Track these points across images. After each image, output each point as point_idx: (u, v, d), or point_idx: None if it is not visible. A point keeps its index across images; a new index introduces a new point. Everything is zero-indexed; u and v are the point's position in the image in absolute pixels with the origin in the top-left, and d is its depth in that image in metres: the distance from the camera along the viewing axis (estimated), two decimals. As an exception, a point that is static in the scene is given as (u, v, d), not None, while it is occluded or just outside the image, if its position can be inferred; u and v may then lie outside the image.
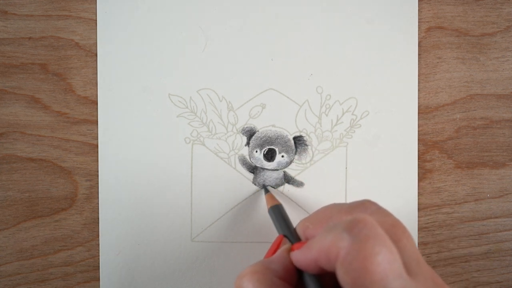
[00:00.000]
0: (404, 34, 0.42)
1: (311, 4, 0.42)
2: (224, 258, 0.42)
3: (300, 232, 0.32)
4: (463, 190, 0.42)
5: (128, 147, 0.42)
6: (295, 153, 0.42)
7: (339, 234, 0.25)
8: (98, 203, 0.42)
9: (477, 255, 0.42)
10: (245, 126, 0.42)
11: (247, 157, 0.42)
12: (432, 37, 0.42)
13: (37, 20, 0.42)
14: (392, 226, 0.26)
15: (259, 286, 0.27)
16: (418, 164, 0.42)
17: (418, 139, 0.42)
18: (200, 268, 0.42)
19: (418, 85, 0.42)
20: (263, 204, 0.42)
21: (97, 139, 0.42)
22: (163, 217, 0.41)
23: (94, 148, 0.42)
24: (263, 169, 0.42)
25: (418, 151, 0.42)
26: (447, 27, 0.42)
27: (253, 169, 0.42)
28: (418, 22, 0.42)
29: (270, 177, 0.42)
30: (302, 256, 0.28)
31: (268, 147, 0.42)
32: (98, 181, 0.42)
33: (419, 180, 0.42)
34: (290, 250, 0.30)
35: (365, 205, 0.28)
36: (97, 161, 0.42)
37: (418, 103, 0.42)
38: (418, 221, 0.42)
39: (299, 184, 0.42)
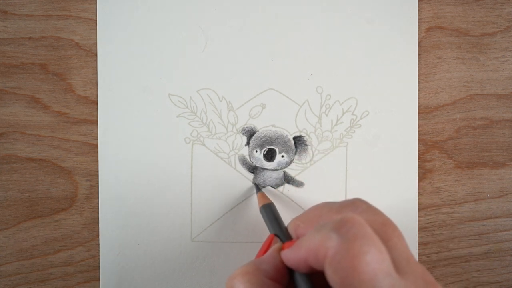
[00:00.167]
0: (404, 34, 0.42)
1: (311, 4, 0.42)
2: (224, 258, 0.42)
3: (291, 231, 0.31)
4: (463, 190, 0.42)
5: (128, 147, 0.42)
6: (295, 153, 0.42)
7: (327, 233, 0.25)
8: (98, 203, 0.42)
9: (477, 255, 0.42)
10: (245, 126, 0.42)
11: (247, 157, 0.42)
12: (432, 37, 0.42)
13: (37, 20, 0.42)
14: (382, 225, 0.26)
15: (250, 287, 0.27)
16: (418, 164, 0.42)
17: (418, 139, 0.42)
18: (200, 268, 0.42)
19: (418, 85, 0.42)
20: (263, 204, 0.42)
21: (97, 139, 0.42)
22: (163, 217, 0.41)
23: (94, 148, 0.42)
24: (263, 169, 0.42)
25: (418, 151, 0.42)
26: (447, 27, 0.42)
27: (253, 169, 0.42)
28: (418, 22, 0.42)
29: (270, 177, 0.42)
30: (292, 255, 0.28)
31: (268, 147, 0.42)
32: (98, 181, 0.42)
33: (419, 180, 0.42)
34: (281, 249, 0.30)
35: (356, 204, 0.28)
36: (97, 161, 0.42)
37: (418, 103, 0.42)
38: (418, 221, 0.42)
39: (299, 184, 0.42)
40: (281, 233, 0.33)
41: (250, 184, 0.42)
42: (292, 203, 0.41)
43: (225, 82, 0.42)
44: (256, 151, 0.42)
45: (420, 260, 0.42)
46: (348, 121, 0.42)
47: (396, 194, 0.42)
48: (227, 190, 0.42)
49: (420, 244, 0.42)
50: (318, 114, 0.42)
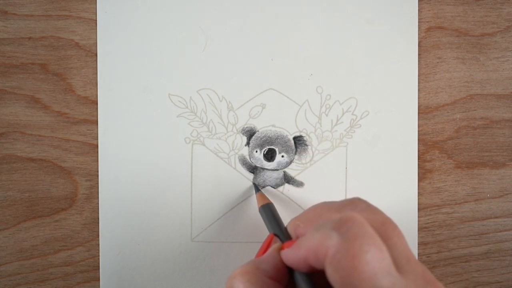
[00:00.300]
0: (404, 34, 0.42)
1: (311, 4, 0.42)
2: (224, 258, 0.42)
3: (291, 230, 0.32)
4: (463, 190, 0.42)
5: (128, 147, 0.42)
6: (295, 153, 0.42)
7: (328, 232, 0.25)
8: (98, 203, 0.42)
9: (477, 255, 0.42)
10: (245, 126, 0.42)
11: (247, 157, 0.42)
12: (432, 37, 0.42)
13: (37, 20, 0.42)
14: (382, 224, 0.26)
15: (250, 287, 0.27)
16: (418, 164, 0.42)
17: (418, 139, 0.42)
18: (200, 268, 0.42)
19: (418, 85, 0.42)
20: (263, 204, 0.42)
21: (97, 139, 0.42)
22: (163, 217, 0.41)
23: (94, 148, 0.42)
24: (263, 169, 0.42)
25: (418, 151, 0.42)
26: (447, 27, 0.42)
27: (253, 169, 0.42)
28: (418, 22, 0.42)
29: (270, 177, 0.42)
30: (292, 255, 0.28)
31: (268, 147, 0.42)
32: (98, 181, 0.42)
33: (419, 180, 0.42)
34: (281, 248, 0.30)
35: (355, 203, 0.28)
36: (97, 161, 0.42)
37: (418, 103, 0.42)
38: (418, 221, 0.42)
39: (299, 184, 0.42)
40: (280, 233, 0.33)
41: (250, 184, 0.42)
42: (292, 203, 0.41)
43: (225, 82, 0.42)
44: (256, 151, 0.42)
45: (420, 260, 0.42)
46: (348, 121, 0.42)
47: (396, 194, 0.42)
48: (227, 190, 0.42)
49: (420, 244, 0.42)
50: (318, 114, 0.42)
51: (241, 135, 0.42)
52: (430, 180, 0.42)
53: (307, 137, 0.42)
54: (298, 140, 0.42)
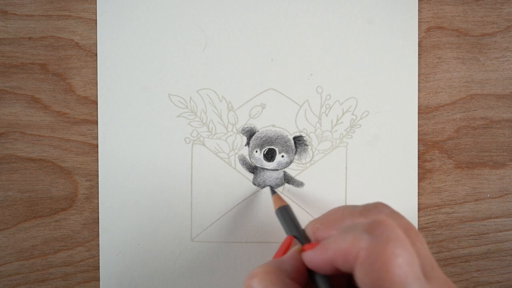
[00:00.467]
0: (404, 34, 0.42)
1: (311, 4, 0.42)
2: (224, 258, 0.42)
3: (309, 233, 0.31)
4: (463, 190, 0.42)
5: (128, 147, 0.42)
6: (295, 153, 0.42)
7: (359, 235, 0.25)
8: (98, 203, 0.42)
9: (477, 255, 0.42)
10: (245, 126, 0.42)
11: (247, 157, 0.42)
12: (432, 37, 0.42)
13: (37, 20, 0.42)
14: (406, 230, 0.27)
15: (271, 287, 0.27)
16: (418, 164, 0.42)
17: (418, 139, 0.42)
18: (200, 268, 0.42)
19: (418, 85, 0.42)
20: (263, 204, 0.42)
21: (97, 139, 0.42)
22: (163, 217, 0.41)
23: (94, 148, 0.42)
24: (263, 169, 0.42)
25: (418, 151, 0.42)
26: (447, 27, 0.42)
27: (253, 169, 0.42)
28: (418, 22, 0.42)
29: (270, 177, 0.42)
30: (315, 257, 0.28)
31: (268, 147, 0.42)
32: (98, 181, 0.42)
33: (419, 180, 0.42)
34: (301, 250, 0.30)
35: (379, 208, 0.28)
36: (97, 161, 0.42)
37: (418, 103, 0.42)
38: (418, 221, 0.42)
39: (299, 184, 0.42)
40: (299, 235, 0.33)
41: (250, 184, 0.42)
42: (292, 204, 0.41)
43: (225, 82, 0.42)
44: (256, 151, 0.42)
45: (420, 260, 0.42)
46: (348, 121, 0.42)
47: (396, 194, 0.42)
48: (227, 190, 0.42)
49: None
50: (318, 114, 0.42)
51: (241, 135, 0.42)
52: (430, 180, 0.42)
53: (307, 137, 0.42)
54: (298, 140, 0.42)
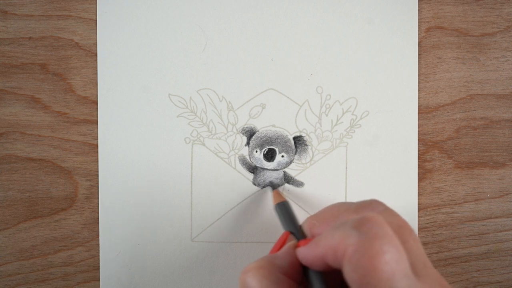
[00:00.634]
0: (404, 34, 0.42)
1: (311, 4, 0.42)
2: (224, 258, 0.42)
3: (306, 229, 0.32)
4: (463, 190, 0.42)
5: (128, 147, 0.42)
6: (295, 153, 0.42)
7: (348, 231, 0.25)
8: (98, 203, 0.42)
9: (477, 255, 0.42)
10: (245, 126, 0.42)
11: (247, 157, 0.42)
12: (432, 37, 0.42)
13: (37, 20, 0.42)
14: (399, 227, 0.27)
15: (264, 282, 0.27)
16: (418, 164, 0.42)
17: (418, 139, 0.42)
18: (200, 268, 0.42)
19: (418, 85, 0.42)
20: (263, 204, 0.42)
21: (97, 139, 0.42)
22: (163, 217, 0.41)
23: (94, 148, 0.42)
24: (263, 169, 0.42)
25: (418, 151, 0.42)
26: (447, 27, 0.42)
27: (253, 169, 0.42)
28: (418, 22, 0.42)
29: (270, 177, 0.42)
30: (308, 253, 0.28)
31: (268, 147, 0.42)
32: (98, 181, 0.42)
33: (419, 180, 0.42)
34: (296, 246, 0.30)
35: (373, 205, 0.29)
36: (97, 161, 0.42)
37: (418, 103, 0.42)
38: (418, 221, 0.42)
39: (299, 184, 0.42)
40: (296, 231, 0.33)
41: (250, 184, 0.42)
42: (292, 203, 0.41)
43: (225, 82, 0.42)
44: (256, 151, 0.42)
45: (420, 260, 0.42)
46: (348, 121, 0.42)
47: (396, 194, 0.42)
48: (227, 190, 0.42)
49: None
50: (318, 114, 0.42)
51: (241, 135, 0.42)
52: (430, 180, 0.42)
53: (307, 137, 0.42)
54: (298, 140, 0.42)
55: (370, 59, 0.42)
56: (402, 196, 0.42)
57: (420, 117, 0.42)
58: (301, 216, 0.40)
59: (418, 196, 0.42)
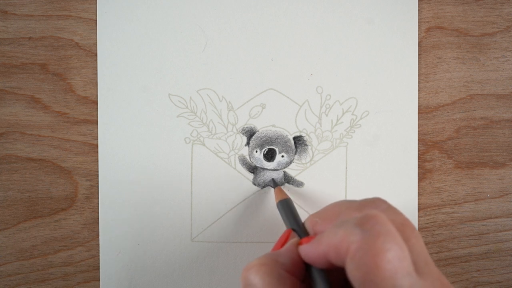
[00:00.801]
0: (404, 34, 0.42)
1: (311, 4, 0.42)
2: (224, 258, 0.42)
3: (308, 227, 0.31)
4: (463, 190, 0.42)
5: (128, 147, 0.42)
6: (295, 153, 0.42)
7: (351, 228, 0.25)
8: (98, 203, 0.42)
9: (477, 255, 0.42)
10: (245, 126, 0.42)
11: (247, 157, 0.42)
12: (432, 37, 0.42)
13: (37, 20, 0.42)
14: (401, 225, 0.27)
15: (267, 279, 0.27)
16: (418, 164, 0.42)
17: (418, 139, 0.42)
18: (200, 268, 0.42)
19: (418, 85, 0.42)
20: (263, 204, 0.42)
21: (97, 139, 0.42)
22: (163, 217, 0.41)
23: (94, 148, 0.42)
24: (263, 169, 0.42)
25: (418, 151, 0.42)
26: (447, 27, 0.42)
27: (253, 169, 0.42)
28: (418, 22, 0.42)
29: (270, 177, 0.42)
30: (311, 250, 0.28)
31: (268, 147, 0.42)
32: (98, 181, 0.42)
33: (419, 180, 0.42)
34: (299, 244, 0.30)
35: (376, 203, 0.28)
36: (97, 161, 0.42)
37: (418, 103, 0.42)
38: (418, 221, 0.42)
39: (299, 184, 0.42)
40: (298, 229, 0.33)
41: (250, 184, 0.42)
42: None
43: (225, 82, 0.42)
44: (256, 151, 0.42)
45: (420, 260, 0.42)
46: (348, 121, 0.42)
47: (396, 194, 0.42)
48: (227, 190, 0.42)
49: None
50: (318, 114, 0.42)
51: (241, 135, 0.42)
52: (430, 180, 0.42)
53: (307, 137, 0.42)
54: (298, 140, 0.42)
55: (370, 59, 0.42)
56: (402, 196, 0.42)
57: (420, 117, 0.42)
58: (301, 216, 0.40)
59: (418, 196, 0.42)
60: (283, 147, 0.42)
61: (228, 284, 0.41)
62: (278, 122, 0.42)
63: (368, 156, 0.42)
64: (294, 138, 0.42)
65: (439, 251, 0.42)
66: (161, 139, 0.42)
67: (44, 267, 0.42)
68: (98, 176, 0.42)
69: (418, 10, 0.42)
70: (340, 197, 0.42)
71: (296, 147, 0.42)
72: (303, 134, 0.42)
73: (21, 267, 0.42)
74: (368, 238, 0.25)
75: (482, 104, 0.42)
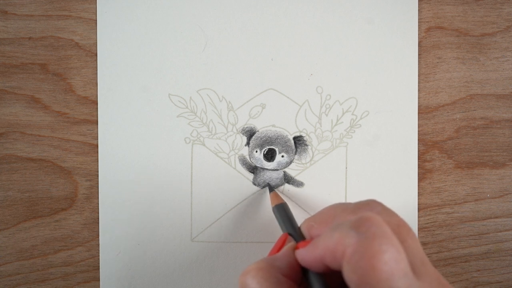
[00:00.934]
0: (404, 34, 0.42)
1: (311, 4, 0.42)
2: (224, 258, 0.42)
3: (304, 230, 0.32)
4: (463, 190, 0.42)
5: (128, 147, 0.42)
6: (295, 153, 0.42)
7: (346, 231, 0.25)
8: (98, 203, 0.42)
9: (477, 255, 0.42)
10: (245, 126, 0.42)
11: (247, 157, 0.42)
12: (432, 37, 0.42)
13: (37, 20, 0.42)
14: (397, 226, 0.27)
15: (264, 283, 0.27)
16: (418, 164, 0.42)
17: (418, 139, 0.42)
18: (200, 268, 0.42)
19: (418, 85, 0.42)
20: (263, 204, 0.42)
21: (97, 139, 0.42)
22: (163, 217, 0.41)
23: (94, 148, 0.42)
24: (263, 169, 0.42)
25: (418, 151, 0.42)
26: (447, 27, 0.42)
27: (253, 169, 0.42)
28: (418, 22, 0.42)
29: (270, 177, 0.42)
30: (307, 254, 0.28)
31: (268, 147, 0.42)
32: (98, 181, 0.42)
33: (419, 180, 0.42)
34: (295, 248, 0.30)
35: (371, 205, 0.28)
36: (97, 161, 0.42)
37: (418, 103, 0.42)
38: (418, 221, 0.42)
39: (299, 184, 0.42)
40: (294, 233, 0.33)
41: (250, 184, 0.42)
42: (292, 203, 0.41)
43: (225, 82, 0.42)
44: (256, 151, 0.42)
45: (420, 260, 0.42)
46: (348, 121, 0.42)
47: (396, 194, 0.42)
48: (227, 190, 0.42)
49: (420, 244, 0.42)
50: (318, 114, 0.42)
51: (241, 135, 0.42)
52: (430, 180, 0.42)
53: (307, 137, 0.42)
54: (298, 140, 0.42)
55: (370, 59, 0.42)
56: (402, 196, 0.42)
57: (420, 117, 0.42)
58: (301, 216, 0.40)
59: (418, 196, 0.42)
60: (283, 147, 0.42)
61: (228, 284, 0.41)
62: (278, 122, 0.42)
63: (368, 156, 0.42)
64: (294, 138, 0.42)
65: (439, 251, 0.42)
66: (161, 139, 0.42)
67: (44, 267, 0.42)
68: (98, 176, 0.42)
69: (418, 10, 0.42)
70: (340, 197, 0.42)
71: (296, 147, 0.42)
72: (303, 134, 0.42)
73: (21, 267, 0.42)
74: (364, 240, 0.25)
75: (482, 104, 0.42)
